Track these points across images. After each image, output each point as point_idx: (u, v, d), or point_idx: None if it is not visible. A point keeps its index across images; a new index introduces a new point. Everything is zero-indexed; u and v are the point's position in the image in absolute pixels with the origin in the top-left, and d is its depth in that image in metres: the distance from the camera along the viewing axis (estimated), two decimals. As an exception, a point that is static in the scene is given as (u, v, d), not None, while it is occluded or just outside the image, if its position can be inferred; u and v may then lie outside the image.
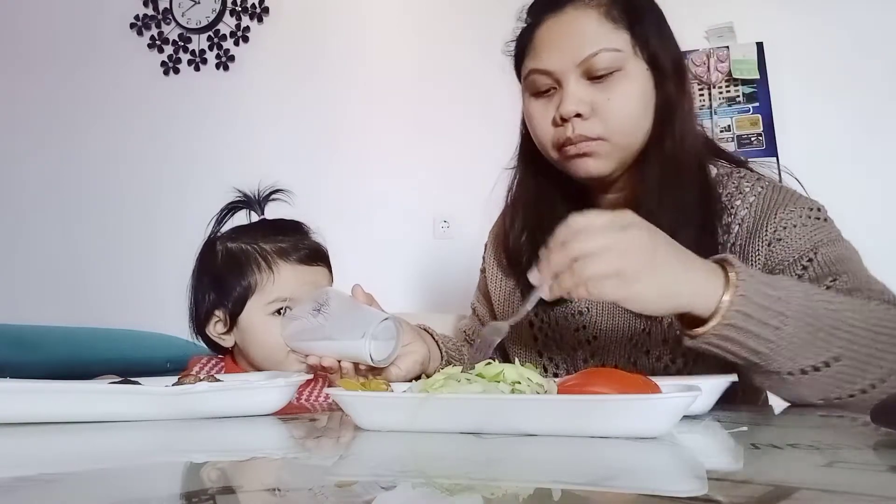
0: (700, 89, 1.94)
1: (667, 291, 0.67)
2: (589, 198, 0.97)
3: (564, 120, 0.86)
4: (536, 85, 0.89)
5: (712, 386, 0.67)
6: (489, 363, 0.59)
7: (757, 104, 1.89)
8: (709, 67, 1.92)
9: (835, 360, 0.68)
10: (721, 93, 1.92)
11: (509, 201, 1.04)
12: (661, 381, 0.59)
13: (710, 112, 1.93)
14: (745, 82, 1.91)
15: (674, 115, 0.89)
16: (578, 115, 0.85)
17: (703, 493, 0.34)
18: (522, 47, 0.92)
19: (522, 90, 0.93)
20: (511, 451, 0.47)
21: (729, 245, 0.88)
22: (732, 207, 0.88)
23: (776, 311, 0.67)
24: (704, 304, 0.68)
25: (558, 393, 0.56)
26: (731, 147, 1.89)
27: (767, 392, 0.82)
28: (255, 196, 1.10)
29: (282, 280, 1.00)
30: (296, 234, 1.07)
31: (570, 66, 0.86)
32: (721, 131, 1.91)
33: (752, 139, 1.88)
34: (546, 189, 0.98)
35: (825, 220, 0.86)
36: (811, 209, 0.86)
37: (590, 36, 0.86)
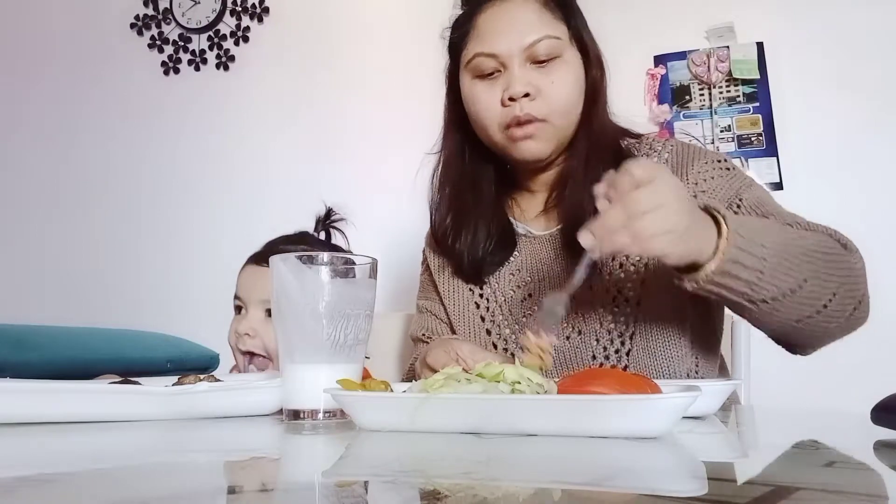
0: (700, 89, 1.93)
1: (696, 247, 0.73)
2: (515, 180, 1.06)
3: (512, 100, 0.92)
4: (481, 68, 0.95)
5: (717, 390, 0.67)
6: (489, 364, 0.59)
7: (757, 104, 1.89)
8: (709, 67, 1.92)
9: (804, 283, 0.78)
10: (721, 93, 1.92)
11: (435, 184, 1.09)
12: (662, 382, 0.60)
13: (711, 112, 1.93)
14: (745, 82, 1.90)
15: (598, 99, 0.98)
16: (526, 96, 0.92)
17: (703, 493, 0.34)
18: (464, 33, 0.98)
19: (462, 73, 0.99)
20: (511, 451, 0.47)
21: None
22: None
23: (759, 243, 0.75)
24: (708, 250, 0.74)
25: (558, 393, 0.56)
26: (731, 147, 1.89)
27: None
28: (321, 217, 1.20)
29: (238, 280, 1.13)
30: (283, 240, 1.15)
31: (517, 50, 0.93)
32: (721, 131, 1.91)
33: (753, 139, 1.88)
34: (472, 171, 1.04)
35: (732, 168, 0.97)
36: (719, 160, 0.97)
37: (534, 24, 0.94)
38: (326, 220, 1.18)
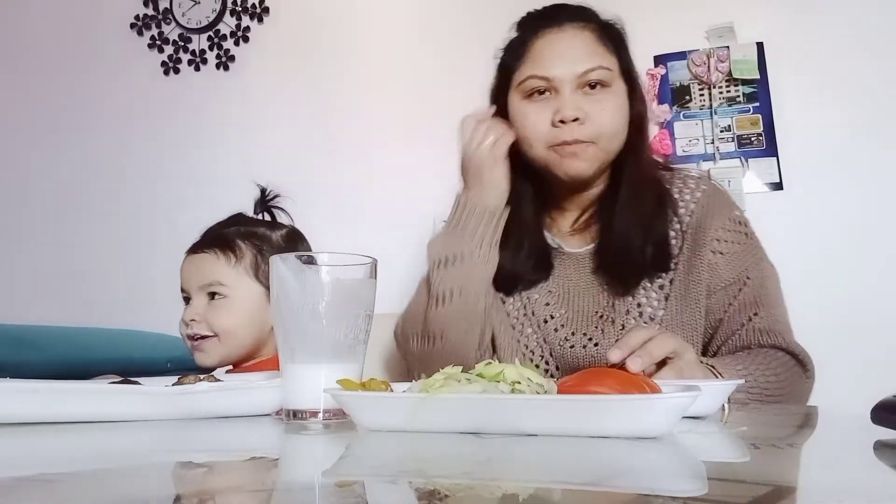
0: (700, 89, 1.93)
1: None
2: (552, 197, 1.11)
3: (563, 122, 0.99)
4: (533, 89, 1.02)
5: (719, 389, 0.67)
6: (489, 363, 0.59)
7: (757, 104, 1.89)
8: (709, 67, 1.92)
9: (765, 391, 0.93)
10: (721, 93, 1.92)
11: None
12: (662, 382, 0.60)
13: (711, 112, 1.92)
14: (745, 82, 1.90)
15: (643, 132, 1.07)
16: (575, 120, 0.99)
17: (703, 493, 0.34)
18: (518, 55, 1.05)
19: (512, 93, 1.06)
20: (511, 451, 0.47)
21: (682, 231, 1.05)
22: (682, 200, 1.07)
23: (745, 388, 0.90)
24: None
25: (558, 393, 0.56)
26: (731, 147, 1.89)
27: None
28: (258, 199, 1.21)
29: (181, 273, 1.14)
30: (217, 226, 1.17)
31: (570, 76, 1.00)
32: (721, 131, 1.91)
33: (752, 139, 1.88)
34: (514, 188, 1.07)
35: (749, 235, 1.05)
36: (740, 222, 1.06)
37: (588, 53, 1.01)
38: (264, 201, 1.19)
